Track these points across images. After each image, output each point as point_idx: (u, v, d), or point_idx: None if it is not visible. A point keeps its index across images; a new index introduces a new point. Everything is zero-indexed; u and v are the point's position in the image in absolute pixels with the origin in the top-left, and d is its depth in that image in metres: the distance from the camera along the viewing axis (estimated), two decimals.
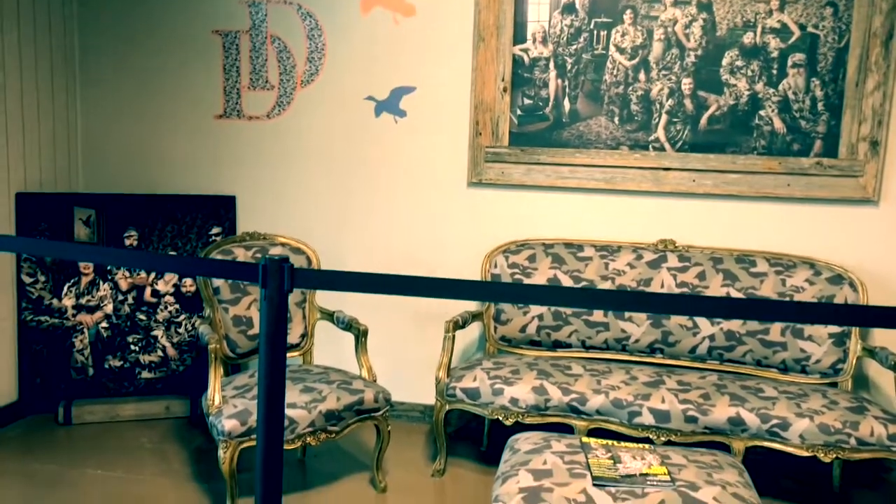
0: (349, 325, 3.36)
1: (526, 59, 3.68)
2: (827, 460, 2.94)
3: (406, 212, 3.89)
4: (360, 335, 3.32)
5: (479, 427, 3.70)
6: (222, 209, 3.98)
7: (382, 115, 3.85)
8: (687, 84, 3.55)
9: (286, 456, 3.30)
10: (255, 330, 3.30)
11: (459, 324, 3.45)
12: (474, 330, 3.81)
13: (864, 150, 3.41)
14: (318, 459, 3.48)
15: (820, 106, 3.45)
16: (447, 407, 3.30)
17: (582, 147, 3.68)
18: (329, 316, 3.50)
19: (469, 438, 3.72)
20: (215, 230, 3.96)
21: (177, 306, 3.94)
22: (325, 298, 3.63)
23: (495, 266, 3.67)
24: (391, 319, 3.90)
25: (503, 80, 3.70)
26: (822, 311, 2.34)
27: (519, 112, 3.72)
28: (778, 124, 3.49)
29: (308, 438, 2.98)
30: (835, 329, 3.30)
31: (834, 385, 3.32)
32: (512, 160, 3.74)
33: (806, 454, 2.95)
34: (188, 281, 3.94)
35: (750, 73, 3.49)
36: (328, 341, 3.84)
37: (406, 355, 3.91)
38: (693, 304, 2.29)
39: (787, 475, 3.41)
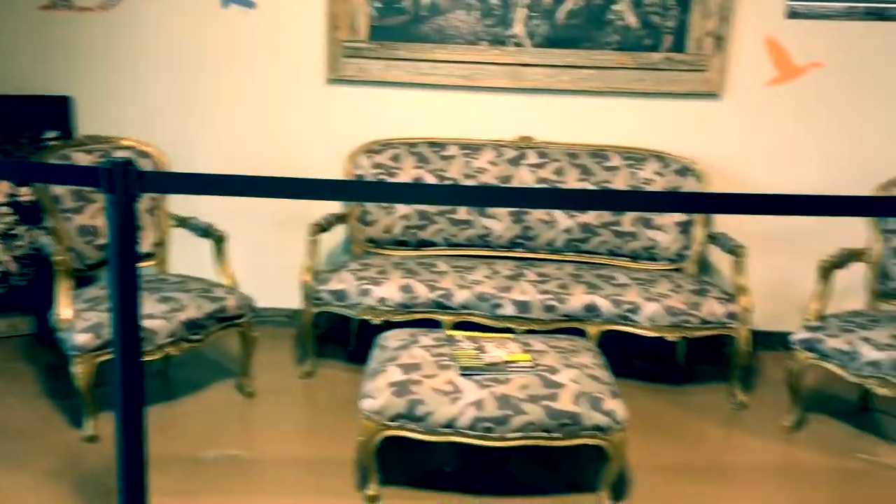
0: (206, 231, 3.23)
1: None
2: (673, 339, 3.17)
3: (261, 111, 3.71)
4: (219, 241, 3.20)
5: (346, 328, 3.71)
6: (56, 111, 3.64)
7: (231, 6, 3.61)
8: None
9: (147, 367, 3.19)
10: (104, 239, 3.10)
11: (323, 226, 3.40)
12: (339, 232, 3.76)
13: (709, 45, 3.55)
14: (182, 369, 3.39)
15: (670, 1, 3.53)
16: (314, 310, 3.28)
17: (442, 42, 3.61)
18: (183, 223, 3.34)
19: (337, 340, 3.73)
20: (50, 135, 3.64)
21: (15, 217, 3.63)
22: (179, 204, 3.45)
23: (358, 167, 3.60)
24: (251, 224, 3.77)
25: None
26: (669, 200, 2.46)
27: (377, 4, 3.59)
28: (631, 19, 3.56)
29: (169, 349, 2.89)
30: (680, 218, 3.50)
31: (679, 270, 3.55)
32: (371, 55, 3.62)
33: (654, 335, 3.17)
34: (25, 189, 3.63)
35: None
36: (185, 250, 3.66)
37: (269, 260, 3.82)
38: (555, 197, 2.35)
39: (637, 355, 3.65)
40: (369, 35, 3.61)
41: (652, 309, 3.14)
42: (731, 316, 3.15)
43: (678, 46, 3.57)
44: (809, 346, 2.94)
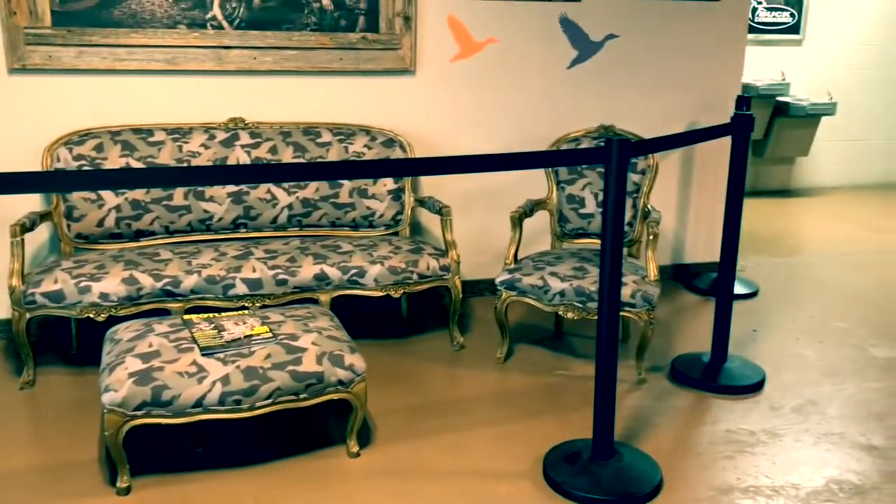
0: None
1: None
2: (397, 296, 3.46)
3: None
4: None
5: (63, 333, 3.52)
6: None
7: None
8: None
9: None
10: None
11: (27, 226, 3.18)
12: (43, 231, 3.53)
13: (399, 24, 3.85)
14: None
15: None
16: (28, 315, 3.07)
17: (137, 26, 3.52)
18: None
19: (54, 347, 3.52)
20: None
21: None
22: None
23: (58, 160, 3.40)
24: None
25: None
26: (378, 167, 2.71)
27: None
28: (326, 1, 3.74)
29: None
30: (392, 186, 3.79)
31: (396, 234, 3.86)
32: (60, 42, 3.42)
33: (380, 294, 3.43)
34: None
35: None
36: None
37: None
38: (272, 171, 2.48)
39: (366, 315, 3.91)
40: (54, 20, 3.40)
41: (376, 271, 3.40)
42: (445, 269, 3.52)
43: (372, 27, 3.83)
44: (510, 285, 3.40)
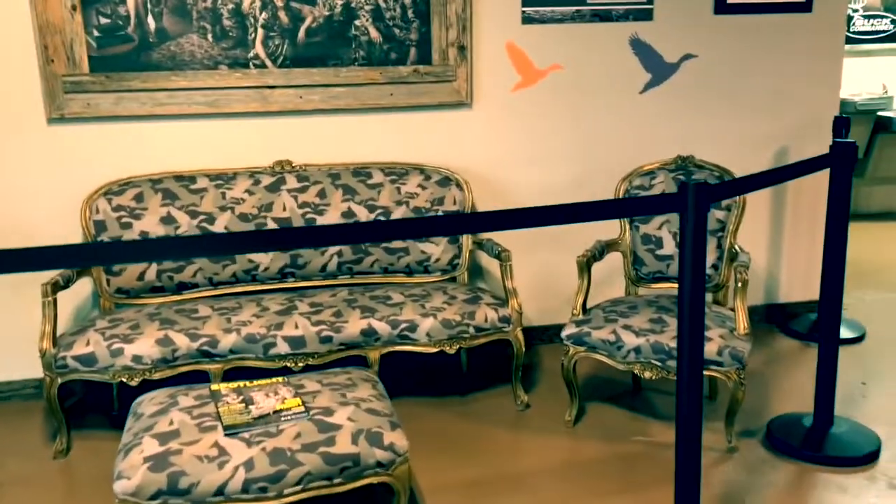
0: None
1: None
2: (452, 352, 3.15)
3: None
4: None
5: (106, 391, 3.35)
6: None
7: None
8: None
9: None
10: None
11: (61, 284, 3.01)
12: (85, 286, 3.38)
13: (453, 55, 3.57)
14: None
15: (410, 13, 3.51)
16: (59, 380, 2.90)
17: (177, 69, 3.35)
18: None
19: (97, 406, 3.35)
20: None
21: None
22: None
23: (97, 211, 3.25)
24: None
25: None
26: (438, 224, 2.40)
27: (97, 33, 3.25)
28: (374, 34, 3.50)
29: None
30: None
31: (453, 280, 3.55)
32: (97, 89, 3.28)
33: (434, 350, 3.13)
34: None
35: None
36: None
37: (6, 327, 3.35)
38: (324, 233, 2.20)
39: (421, 371, 3.61)
40: (92, 66, 3.27)
41: (428, 325, 3.10)
42: (504, 320, 3.18)
43: (424, 58, 3.56)
44: (578, 340, 3.03)
